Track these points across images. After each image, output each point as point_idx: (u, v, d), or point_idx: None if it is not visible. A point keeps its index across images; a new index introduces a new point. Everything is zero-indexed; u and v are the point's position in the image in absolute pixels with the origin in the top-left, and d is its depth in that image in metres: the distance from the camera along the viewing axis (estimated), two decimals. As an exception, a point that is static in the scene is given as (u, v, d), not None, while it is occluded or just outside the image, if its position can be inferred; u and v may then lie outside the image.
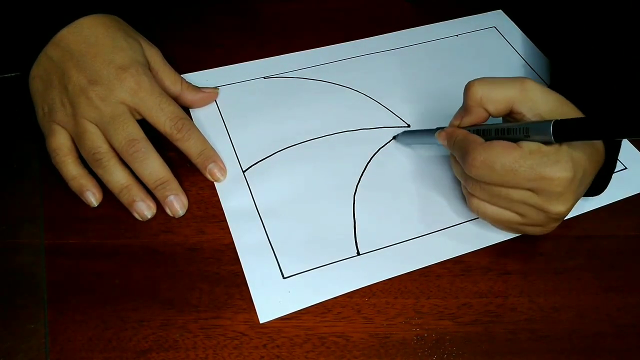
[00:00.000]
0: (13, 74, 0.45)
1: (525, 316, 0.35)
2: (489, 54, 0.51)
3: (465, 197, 0.38)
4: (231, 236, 0.38)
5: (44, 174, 0.40)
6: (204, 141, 0.40)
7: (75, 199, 0.39)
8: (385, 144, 0.44)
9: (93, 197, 0.38)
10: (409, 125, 0.45)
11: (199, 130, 0.40)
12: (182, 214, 0.39)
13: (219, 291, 0.35)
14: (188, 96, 0.44)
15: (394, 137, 0.44)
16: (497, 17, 0.55)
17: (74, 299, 0.34)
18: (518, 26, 0.54)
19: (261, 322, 0.34)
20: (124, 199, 0.38)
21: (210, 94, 0.45)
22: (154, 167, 0.38)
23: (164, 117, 0.39)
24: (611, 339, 0.35)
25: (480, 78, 0.36)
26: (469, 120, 0.37)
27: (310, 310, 0.35)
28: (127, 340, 0.33)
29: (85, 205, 0.39)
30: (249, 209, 0.39)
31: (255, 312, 0.34)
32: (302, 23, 0.53)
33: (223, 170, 0.41)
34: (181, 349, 0.33)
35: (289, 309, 0.35)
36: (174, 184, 0.38)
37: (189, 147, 0.40)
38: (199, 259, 0.37)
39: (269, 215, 0.39)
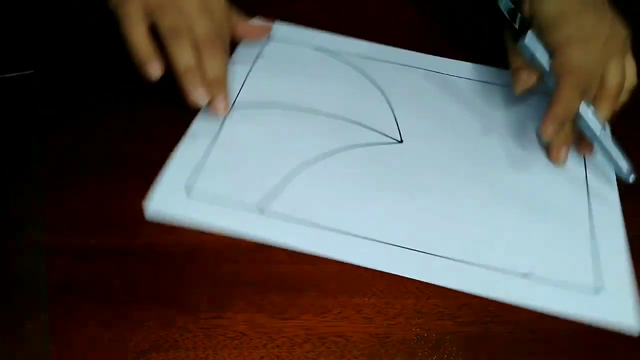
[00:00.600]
0: (13, 74, 0.45)
1: (525, 316, 0.35)
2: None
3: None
4: (231, 236, 0.38)
5: (44, 174, 0.40)
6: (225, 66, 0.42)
7: (75, 199, 0.39)
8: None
9: (157, 66, 0.38)
10: (402, 141, 0.44)
11: (226, 54, 0.42)
12: (220, 116, 0.41)
13: (219, 291, 0.35)
14: (242, 27, 0.46)
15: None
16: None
17: (74, 299, 0.34)
18: None
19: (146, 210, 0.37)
20: (186, 79, 0.38)
21: (264, 28, 0.48)
22: (219, 63, 0.40)
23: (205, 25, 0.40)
24: (611, 339, 0.35)
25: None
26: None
27: (311, 310, 0.35)
28: (127, 340, 0.33)
29: (85, 205, 0.39)
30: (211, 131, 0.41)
31: (255, 312, 0.35)
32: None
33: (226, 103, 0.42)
34: (181, 349, 0.33)
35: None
36: (227, 87, 0.41)
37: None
38: (199, 259, 0.37)
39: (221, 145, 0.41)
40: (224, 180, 0.40)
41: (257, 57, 0.48)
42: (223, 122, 0.42)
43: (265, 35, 0.48)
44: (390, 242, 0.38)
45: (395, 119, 0.46)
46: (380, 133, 0.44)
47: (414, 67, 0.50)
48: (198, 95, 0.39)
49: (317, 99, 0.46)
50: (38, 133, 0.41)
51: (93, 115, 0.41)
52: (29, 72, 0.45)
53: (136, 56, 0.38)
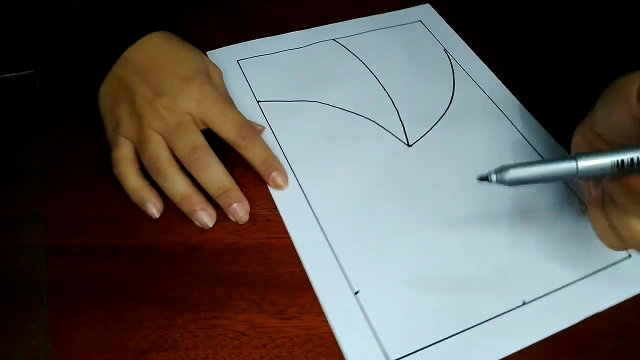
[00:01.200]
0: (13, 74, 0.45)
1: (525, 316, 0.35)
2: (412, 48, 0.51)
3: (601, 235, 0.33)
4: (231, 236, 0.38)
5: (44, 174, 0.40)
6: (267, 149, 0.40)
7: (75, 199, 0.39)
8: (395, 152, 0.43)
9: (154, 208, 0.38)
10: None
11: (262, 138, 0.41)
12: (245, 220, 0.39)
13: (219, 291, 0.35)
14: None
15: (484, 178, 0.30)
16: (424, 11, 0.55)
17: (74, 299, 0.34)
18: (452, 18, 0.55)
19: None
20: (185, 207, 0.38)
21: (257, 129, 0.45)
22: (216, 174, 0.38)
23: (228, 124, 0.39)
24: (611, 339, 0.35)
25: None
26: None
27: (311, 310, 0.35)
28: (127, 340, 0.33)
29: (85, 205, 0.39)
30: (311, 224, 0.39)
31: (255, 312, 0.34)
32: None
33: (285, 178, 0.41)
34: (181, 349, 0.33)
35: None
36: (236, 191, 0.38)
37: (253, 154, 0.39)
38: (199, 259, 0.37)
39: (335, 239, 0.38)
40: None
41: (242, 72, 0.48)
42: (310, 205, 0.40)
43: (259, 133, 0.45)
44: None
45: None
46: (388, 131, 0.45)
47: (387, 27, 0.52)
48: (200, 218, 0.38)
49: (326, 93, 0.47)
50: (38, 133, 0.41)
51: (93, 115, 0.41)
52: (29, 72, 0.45)
53: (132, 199, 0.38)
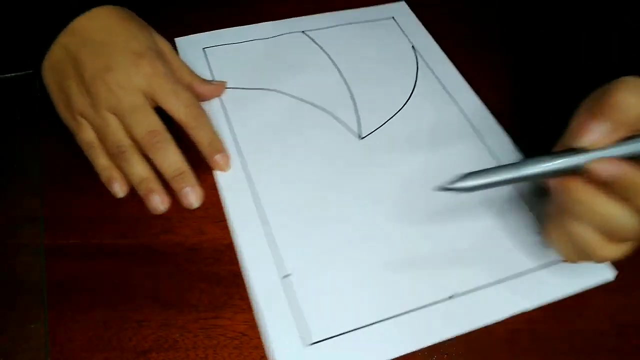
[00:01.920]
0: (13, 74, 0.45)
1: (525, 316, 0.35)
2: (380, 43, 0.52)
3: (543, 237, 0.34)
4: (231, 236, 0.38)
5: (44, 174, 0.40)
6: (214, 131, 0.41)
7: (75, 199, 0.39)
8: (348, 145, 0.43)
9: (120, 188, 0.39)
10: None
11: (210, 121, 0.41)
12: (196, 206, 0.39)
13: (219, 291, 0.35)
14: (199, 87, 0.44)
15: (443, 188, 0.30)
16: (398, 8, 0.56)
17: (74, 299, 0.34)
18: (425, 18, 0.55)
19: None
20: (142, 189, 0.38)
21: (219, 86, 0.46)
22: (172, 158, 0.38)
23: (179, 104, 0.39)
24: (611, 339, 0.35)
25: (629, 80, 0.29)
26: (615, 136, 0.29)
27: (310, 310, 0.35)
28: (127, 340, 0.33)
29: (85, 205, 0.39)
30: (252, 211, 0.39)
31: (256, 312, 0.34)
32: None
33: (228, 160, 0.41)
34: (181, 349, 0.33)
35: None
36: (190, 176, 0.39)
37: (200, 135, 0.40)
38: (199, 259, 0.37)
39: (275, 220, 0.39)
40: None
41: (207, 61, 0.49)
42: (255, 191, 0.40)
43: (221, 91, 0.46)
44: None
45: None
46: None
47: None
48: (153, 201, 0.38)
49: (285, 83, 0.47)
50: (38, 133, 0.41)
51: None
52: (29, 72, 0.45)
53: (101, 178, 0.39)
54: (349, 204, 0.40)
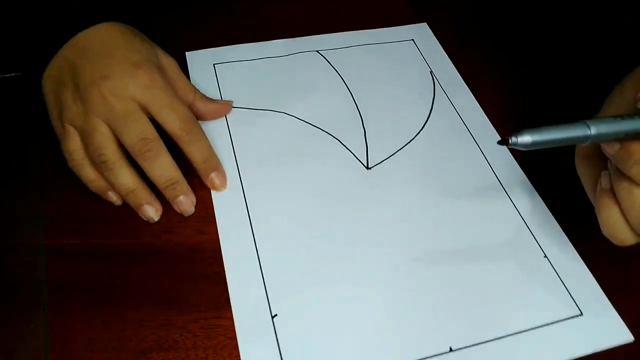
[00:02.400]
0: (13, 74, 0.45)
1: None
2: (397, 67, 0.50)
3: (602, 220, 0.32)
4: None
5: (44, 174, 0.40)
6: (210, 148, 0.40)
7: (75, 199, 0.39)
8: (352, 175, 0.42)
9: (115, 196, 0.38)
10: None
11: (206, 136, 0.40)
12: (191, 213, 0.39)
13: (219, 291, 0.35)
14: (201, 106, 0.43)
15: (503, 141, 0.29)
16: (419, 30, 0.53)
17: (74, 299, 0.34)
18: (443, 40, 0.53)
19: None
20: (131, 201, 0.38)
21: (224, 106, 0.45)
22: (164, 167, 0.37)
23: (174, 117, 0.38)
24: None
25: None
26: None
27: (310, 310, 0.35)
28: (127, 340, 0.33)
29: (85, 205, 0.39)
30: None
31: (255, 312, 0.34)
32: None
33: (224, 180, 0.40)
34: (181, 349, 0.33)
35: None
36: (183, 184, 0.38)
37: (195, 151, 0.39)
38: (199, 259, 0.37)
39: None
40: None
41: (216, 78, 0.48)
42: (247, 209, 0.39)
43: (226, 112, 0.45)
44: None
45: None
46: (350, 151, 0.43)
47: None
48: (146, 212, 0.38)
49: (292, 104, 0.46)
50: (38, 133, 0.41)
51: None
52: (29, 72, 0.45)
53: (92, 190, 0.38)
54: (348, 239, 0.38)
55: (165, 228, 0.38)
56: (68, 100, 0.37)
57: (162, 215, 0.38)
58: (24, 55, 0.40)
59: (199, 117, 0.43)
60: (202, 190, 0.40)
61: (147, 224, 0.38)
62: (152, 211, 0.38)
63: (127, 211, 0.38)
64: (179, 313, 0.34)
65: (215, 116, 0.44)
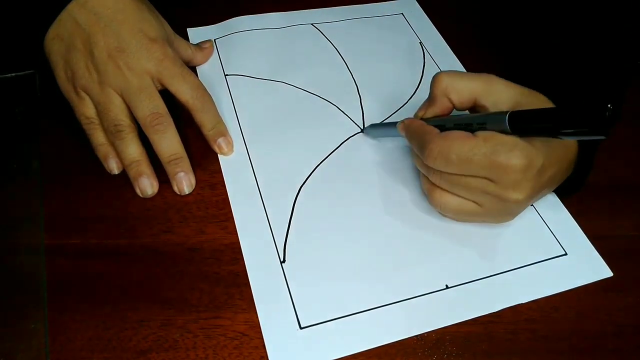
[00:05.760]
0: (13, 74, 0.45)
1: (525, 316, 0.35)
2: (388, 38, 0.53)
3: (425, 192, 0.38)
4: (231, 236, 0.38)
5: (44, 174, 0.40)
6: (218, 116, 0.42)
7: (75, 199, 0.39)
8: (349, 138, 0.45)
9: (115, 165, 0.40)
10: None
11: (215, 104, 0.42)
12: (187, 192, 0.40)
13: (219, 291, 0.35)
14: (198, 56, 0.47)
15: (362, 130, 0.45)
16: (407, 5, 0.57)
17: (74, 299, 0.34)
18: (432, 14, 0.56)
19: None
20: (132, 171, 0.39)
21: (210, 47, 0.49)
22: (171, 141, 0.39)
23: (185, 86, 0.40)
24: (611, 339, 0.35)
25: (448, 70, 0.38)
26: (432, 111, 0.38)
27: (310, 310, 0.35)
28: (127, 340, 0.33)
29: (85, 205, 0.39)
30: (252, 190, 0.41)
31: (255, 312, 0.34)
32: None
33: (230, 145, 0.42)
34: (181, 349, 0.33)
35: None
36: (186, 161, 0.40)
37: (205, 118, 0.41)
38: (199, 259, 0.37)
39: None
40: None
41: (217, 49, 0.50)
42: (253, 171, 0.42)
43: (210, 54, 0.49)
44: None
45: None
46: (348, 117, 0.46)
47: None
48: (143, 184, 0.39)
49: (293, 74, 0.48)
50: (38, 133, 0.41)
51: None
52: (29, 72, 0.45)
53: (97, 153, 0.40)
54: (347, 193, 0.41)
55: (165, 228, 0.38)
56: (81, 66, 0.38)
57: (162, 215, 0.38)
58: (25, 11, 0.40)
59: (196, 63, 0.48)
60: (202, 190, 0.40)
61: (147, 223, 0.38)
62: (148, 184, 0.39)
63: (127, 211, 0.38)
64: (179, 313, 0.34)
65: (208, 58, 0.49)
